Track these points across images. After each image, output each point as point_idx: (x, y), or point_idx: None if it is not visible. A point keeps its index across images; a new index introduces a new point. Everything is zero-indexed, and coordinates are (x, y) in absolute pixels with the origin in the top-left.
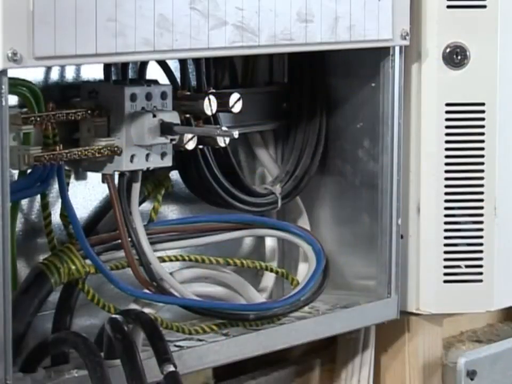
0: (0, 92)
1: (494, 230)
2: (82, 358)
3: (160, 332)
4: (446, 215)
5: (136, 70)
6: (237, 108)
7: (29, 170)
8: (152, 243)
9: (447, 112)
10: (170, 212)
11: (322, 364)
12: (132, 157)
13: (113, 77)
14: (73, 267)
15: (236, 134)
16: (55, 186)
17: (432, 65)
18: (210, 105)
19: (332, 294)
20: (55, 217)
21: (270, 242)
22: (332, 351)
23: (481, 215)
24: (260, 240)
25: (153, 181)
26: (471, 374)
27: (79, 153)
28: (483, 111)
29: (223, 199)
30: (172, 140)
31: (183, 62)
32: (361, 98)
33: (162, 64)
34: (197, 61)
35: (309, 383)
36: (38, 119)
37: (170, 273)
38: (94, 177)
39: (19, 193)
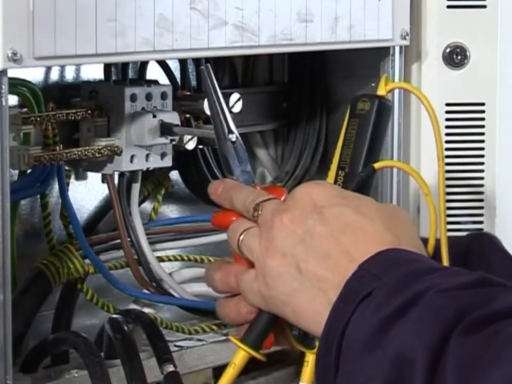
0: (0, 92)
1: (494, 230)
2: (82, 358)
3: (160, 332)
4: (446, 215)
5: (136, 70)
6: (237, 108)
7: (29, 170)
8: (151, 243)
9: (447, 112)
10: (170, 212)
11: None
12: (132, 157)
13: (113, 77)
14: (72, 267)
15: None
16: (55, 186)
17: (432, 65)
18: None
19: None
20: (55, 217)
21: None
22: None
23: (481, 215)
24: None
25: (153, 181)
26: None
27: (79, 153)
28: (483, 111)
29: None
30: (171, 140)
31: (183, 62)
32: None
33: (162, 64)
34: (197, 61)
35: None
36: (38, 119)
37: (170, 274)
38: (94, 177)
39: (19, 193)
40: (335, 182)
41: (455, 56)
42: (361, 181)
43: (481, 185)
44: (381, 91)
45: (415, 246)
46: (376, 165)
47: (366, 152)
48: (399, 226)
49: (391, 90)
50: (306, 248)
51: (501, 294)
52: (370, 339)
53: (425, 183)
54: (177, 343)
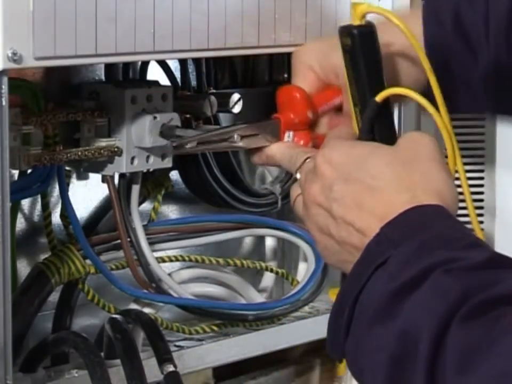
0: (0, 92)
1: (494, 230)
2: (82, 358)
3: (160, 332)
4: None
5: (137, 71)
6: (237, 108)
7: (29, 170)
8: (151, 243)
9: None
10: (170, 212)
11: (322, 363)
12: (132, 158)
13: (114, 78)
14: (73, 267)
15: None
16: (55, 186)
17: None
18: (210, 105)
19: None
20: (55, 217)
21: (270, 242)
22: None
23: (481, 215)
24: (260, 240)
25: (153, 181)
26: None
27: (79, 153)
28: None
29: (223, 199)
30: (172, 141)
31: (183, 62)
32: None
33: (163, 64)
34: (197, 61)
35: (309, 383)
36: (38, 119)
37: (169, 274)
38: (94, 178)
39: (19, 193)
40: (356, 119)
41: None
42: (371, 117)
43: (481, 185)
44: (355, 20)
45: (434, 192)
46: (378, 98)
47: (368, 84)
48: (415, 171)
49: (365, 16)
50: (335, 219)
51: (506, 276)
52: (381, 309)
53: (430, 104)
54: (177, 343)
